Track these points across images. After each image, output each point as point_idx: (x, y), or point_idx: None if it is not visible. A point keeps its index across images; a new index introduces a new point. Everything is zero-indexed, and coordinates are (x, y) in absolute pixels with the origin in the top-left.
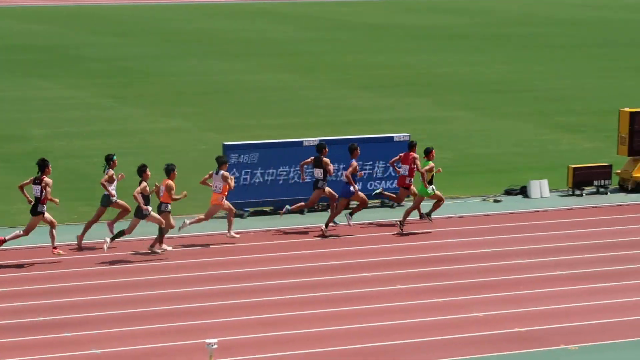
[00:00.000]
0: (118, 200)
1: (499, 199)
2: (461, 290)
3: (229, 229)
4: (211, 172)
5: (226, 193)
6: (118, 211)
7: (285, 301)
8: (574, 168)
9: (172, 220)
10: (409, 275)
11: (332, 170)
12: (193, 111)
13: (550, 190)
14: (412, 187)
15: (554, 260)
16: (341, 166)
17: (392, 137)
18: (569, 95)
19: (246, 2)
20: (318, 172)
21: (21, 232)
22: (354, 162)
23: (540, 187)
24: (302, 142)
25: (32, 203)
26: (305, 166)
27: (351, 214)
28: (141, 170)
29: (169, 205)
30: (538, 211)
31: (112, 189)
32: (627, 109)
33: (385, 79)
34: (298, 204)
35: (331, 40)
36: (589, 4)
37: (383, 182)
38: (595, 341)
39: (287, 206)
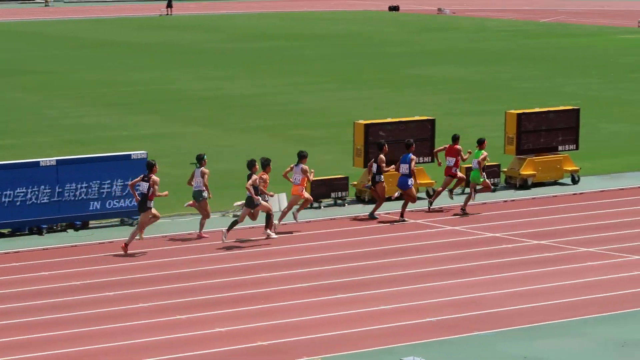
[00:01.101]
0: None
1: (238, 213)
2: (204, 306)
3: (297, 213)
4: (292, 165)
5: (305, 184)
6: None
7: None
8: (312, 181)
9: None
10: (150, 294)
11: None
12: None
13: None
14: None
15: (296, 273)
16: (72, 185)
17: (130, 154)
18: (306, 109)
19: None
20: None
21: (137, 231)
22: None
23: (279, 201)
24: (38, 162)
25: (140, 200)
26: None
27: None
28: (251, 164)
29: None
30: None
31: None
32: (362, 121)
33: (126, 96)
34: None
35: (66, 59)
36: (328, 17)
37: (122, 200)
38: (339, 352)
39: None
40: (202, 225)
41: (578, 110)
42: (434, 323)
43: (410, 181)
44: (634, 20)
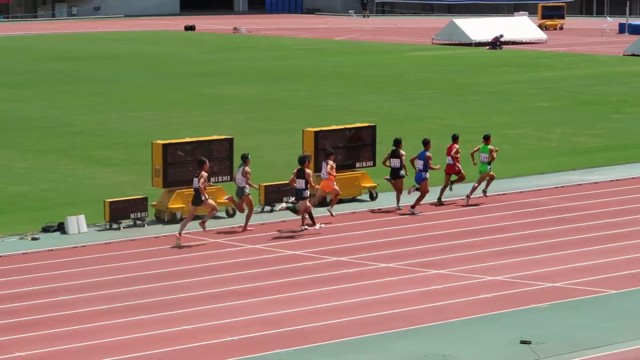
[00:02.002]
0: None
1: (36, 236)
2: (5, 330)
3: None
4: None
5: (334, 178)
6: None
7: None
8: (110, 202)
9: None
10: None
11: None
12: None
13: (88, 226)
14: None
15: (93, 296)
16: None
17: None
18: (105, 129)
19: None
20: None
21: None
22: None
23: (77, 223)
24: None
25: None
26: None
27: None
28: (303, 160)
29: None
30: (77, 247)
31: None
32: (160, 141)
33: None
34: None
35: None
36: (126, 37)
37: None
38: None
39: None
40: (248, 218)
41: (374, 127)
42: (236, 342)
43: (424, 174)
44: (427, 38)
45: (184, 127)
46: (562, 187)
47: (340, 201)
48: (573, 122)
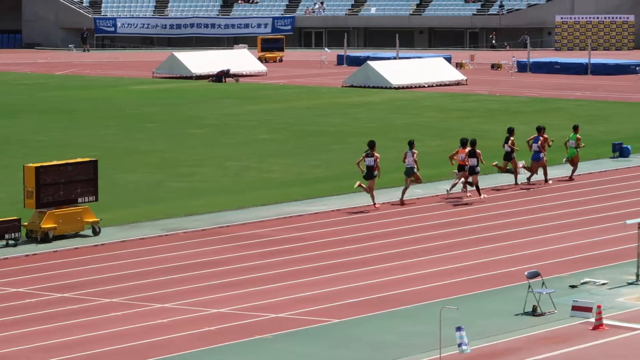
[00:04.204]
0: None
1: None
2: None
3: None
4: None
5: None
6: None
7: None
8: None
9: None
10: None
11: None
12: None
13: None
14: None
15: None
16: None
17: None
18: None
19: None
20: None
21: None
22: None
23: None
24: None
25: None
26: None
27: None
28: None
29: None
30: None
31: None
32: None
33: None
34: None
35: None
36: None
37: None
38: None
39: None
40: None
41: (96, 161)
42: None
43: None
44: (148, 71)
45: None
46: (284, 218)
47: (63, 237)
48: (293, 153)
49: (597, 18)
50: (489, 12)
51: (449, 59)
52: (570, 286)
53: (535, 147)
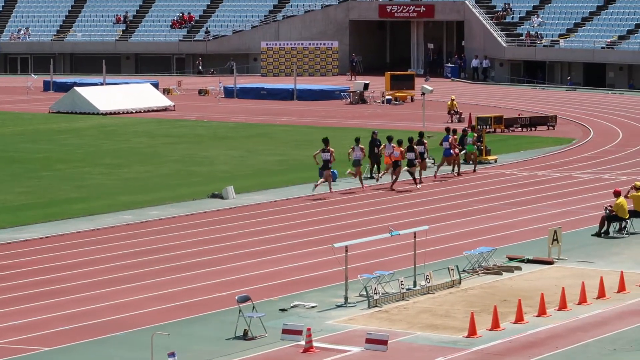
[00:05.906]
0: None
1: None
2: None
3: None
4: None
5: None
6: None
7: None
8: None
9: None
10: None
11: None
12: None
13: None
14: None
15: None
16: None
17: None
18: None
19: None
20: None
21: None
22: None
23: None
24: None
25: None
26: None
27: None
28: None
29: None
30: None
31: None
32: None
33: None
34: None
35: None
36: None
37: None
38: None
39: None
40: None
41: None
42: None
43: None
44: None
45: None
46: None
47: None
48: None
49: (302, 44)
50: (195, 39)
51: (156, 85)
52: (280, 309)
53: (445, 144)
